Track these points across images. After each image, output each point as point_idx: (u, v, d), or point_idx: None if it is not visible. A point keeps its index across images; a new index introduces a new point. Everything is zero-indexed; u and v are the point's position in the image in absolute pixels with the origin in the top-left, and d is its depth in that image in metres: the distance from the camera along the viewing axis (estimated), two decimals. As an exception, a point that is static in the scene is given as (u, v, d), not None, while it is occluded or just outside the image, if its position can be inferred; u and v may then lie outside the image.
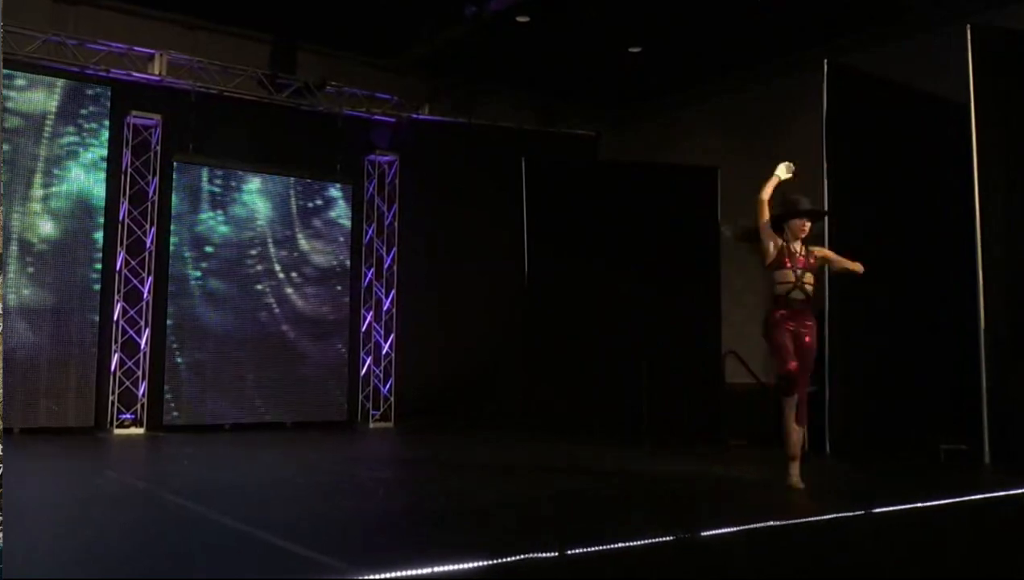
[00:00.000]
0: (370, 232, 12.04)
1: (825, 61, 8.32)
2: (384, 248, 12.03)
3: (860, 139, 8.47)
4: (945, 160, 8.48)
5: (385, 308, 11.97)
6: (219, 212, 10.91)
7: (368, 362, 11.86)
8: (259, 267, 11.07)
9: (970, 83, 7.86)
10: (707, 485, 6.18)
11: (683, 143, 13.53)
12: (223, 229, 10.90)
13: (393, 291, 11.98)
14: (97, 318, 10.00)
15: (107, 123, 10.24)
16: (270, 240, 11.18)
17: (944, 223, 8.52)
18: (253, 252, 11.05)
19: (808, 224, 5.98)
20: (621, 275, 10.42)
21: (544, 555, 3.69)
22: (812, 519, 4.85)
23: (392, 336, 11.91)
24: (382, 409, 11.74)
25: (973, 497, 5.77)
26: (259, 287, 11.05)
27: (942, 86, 8.74)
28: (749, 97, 12.75)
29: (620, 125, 14.42)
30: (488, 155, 12.13)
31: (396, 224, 12.03)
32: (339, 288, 11.63)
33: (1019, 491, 5.93)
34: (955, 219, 8.17)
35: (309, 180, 11.51)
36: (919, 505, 5.32)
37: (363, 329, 11.92)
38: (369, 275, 12.00)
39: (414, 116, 12.21)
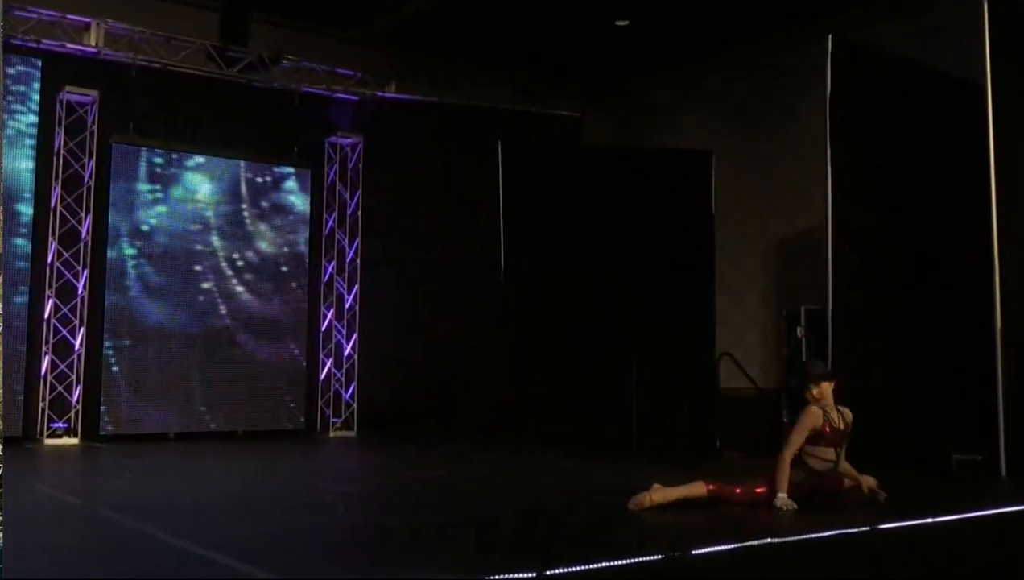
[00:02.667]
0: (331, 221, 12.00)
1: (829, 37, 8.37)
2: (346, 239, 11.99)
3: (867, 122, 8.52)
4: (960, 144, 8.55)
5: (347, 305, 11.94)
6: (162, 199, 10.83)
7: (328, 365, 11.83)
8: (207, 261, 11.01)
9: (986, 61, 7.93)
10: (700, 499, 6.20)
11: (675, 125, 13.59)
12: (166, 218, 10.82)
13: (356, 286, 11.94)
14: (25, 315, 9.91)
15: (37, 97, 10.15)
16: (219, 231, 11.12)
17: (958, 214, 8.59)
18: (200, 244, 10.99)
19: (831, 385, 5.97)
20: (606, 270, 10.46)
21: (521, 575, 3.70)
22: (814, 536, 4.90)
23: (355, 336, 11.88)
24: (344, 416, 11.72)
25: (988, 512, 5.84)
26: (206, 283, 10.99)
27: (956, 64, 8.82)
28: (747, 76, 12.82)
29: (606, 105, 14.46)
30: (462, 137, 12.11)
31: (360, 213, 11.99)
32: (296, 283, 11.58)
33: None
34: (970, 209, 8.24)
35: (263, 164, 11.46)
36: (930, 520, 5.39)
37: (323, 328, 11.88)
38: (330, 269, 11.97)
39: (379, 94, 12.18)
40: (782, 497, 5.59)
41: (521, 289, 10.67)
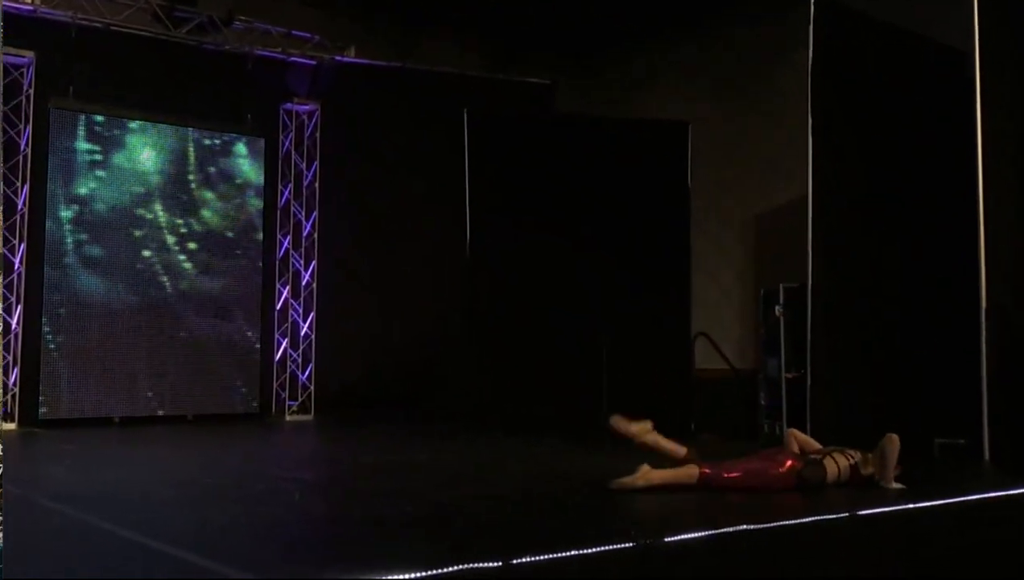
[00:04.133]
0: (286, 194, 11.93)
1: (812, 1, 8.38)
2: (303, 212, 11.92)
3: (851, 92, 8.56)
4: (948, 116, 8.61)
5: (304, 282, 11.89)
6: (104, 168, 10.70)
7: (284, 345, 11.79)
8: (153, 234, 10.90)
9: (975, 28, 7.98)
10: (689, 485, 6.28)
11: (650, 94, 13.57)
12: (109, 189, 10.70)
13: (314, 262, 11.89)
14: (-41, 293, 9.79)
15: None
16: (165, 202, 11.01)
17: (945, 189, 8.67)
18: (145, 216, 10.88)
19: None
20: (577, 246, 10.47)
21: (487, 565, 3.73)
22: (790, 522, 4.96)
23: (312, 315, 11.84)
24: (300, 399, 11.69)
25: (970, 498, 5.95)
26: (152, 257, 10.89)
27: (945, 33, 8.87)
28: (728, 42, 12.83)
29: (579, 73, 14.41)
30: (426, 105, 12.07)
31: (317, 184, 11.92)
32: (248, 259, 11.50)
33: (1020, 491, 6.13)
34: (957, 184, 8.31)
35: (213, 132, 11.35)
36: (910, 506, 5.48)
37: (278, 307, 11.82)
38: (285, 244, 11.90)
39: (338, 58, 12.08)
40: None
41: (488, 267, 10.67)
